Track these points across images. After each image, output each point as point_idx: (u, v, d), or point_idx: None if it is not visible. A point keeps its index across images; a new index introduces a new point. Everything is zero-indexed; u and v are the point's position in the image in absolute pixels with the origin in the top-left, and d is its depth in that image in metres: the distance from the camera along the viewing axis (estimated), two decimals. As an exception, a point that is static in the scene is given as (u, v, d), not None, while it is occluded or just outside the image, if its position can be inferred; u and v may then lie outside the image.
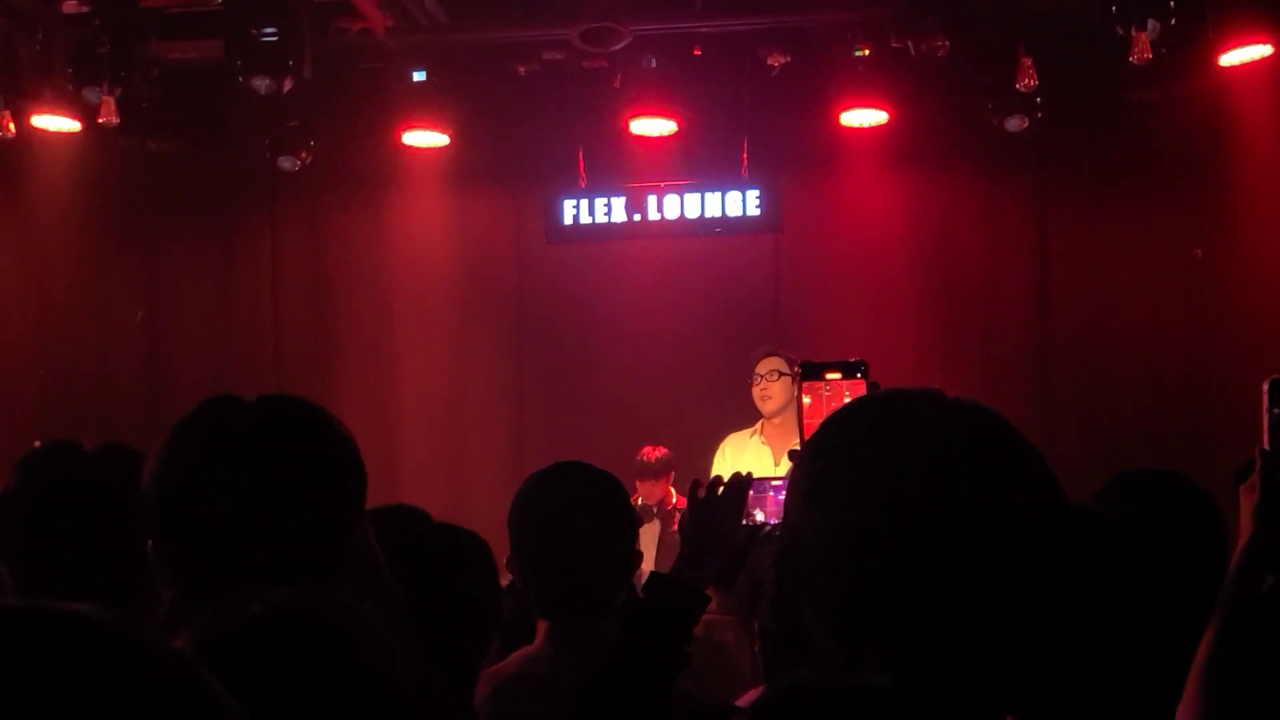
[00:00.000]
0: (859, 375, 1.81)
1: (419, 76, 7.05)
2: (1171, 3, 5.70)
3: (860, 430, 1.23)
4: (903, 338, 7.53)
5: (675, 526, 5.84)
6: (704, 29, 6.98)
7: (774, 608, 1.87)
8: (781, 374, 5.94)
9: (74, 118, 6.68)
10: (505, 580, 2.36)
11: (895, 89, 6.91)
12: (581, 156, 7.54)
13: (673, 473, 6.44)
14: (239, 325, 8.34)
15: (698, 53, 7.03)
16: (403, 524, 2.19)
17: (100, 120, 6.36)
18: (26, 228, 8.14)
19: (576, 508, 2.41)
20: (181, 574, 1.58)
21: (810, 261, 7.93)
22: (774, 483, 1.96)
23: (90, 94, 6.33)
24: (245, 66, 5.79)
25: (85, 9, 6.32)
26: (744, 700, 2.20)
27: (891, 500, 1.15)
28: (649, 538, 6.09)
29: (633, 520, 2.50)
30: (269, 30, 5.73)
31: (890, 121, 7.07)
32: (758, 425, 6.09)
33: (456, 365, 8.16)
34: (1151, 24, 5.67)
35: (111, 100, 6.29)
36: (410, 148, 7.39)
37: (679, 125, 7.02)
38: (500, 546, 2.40)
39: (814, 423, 1.81)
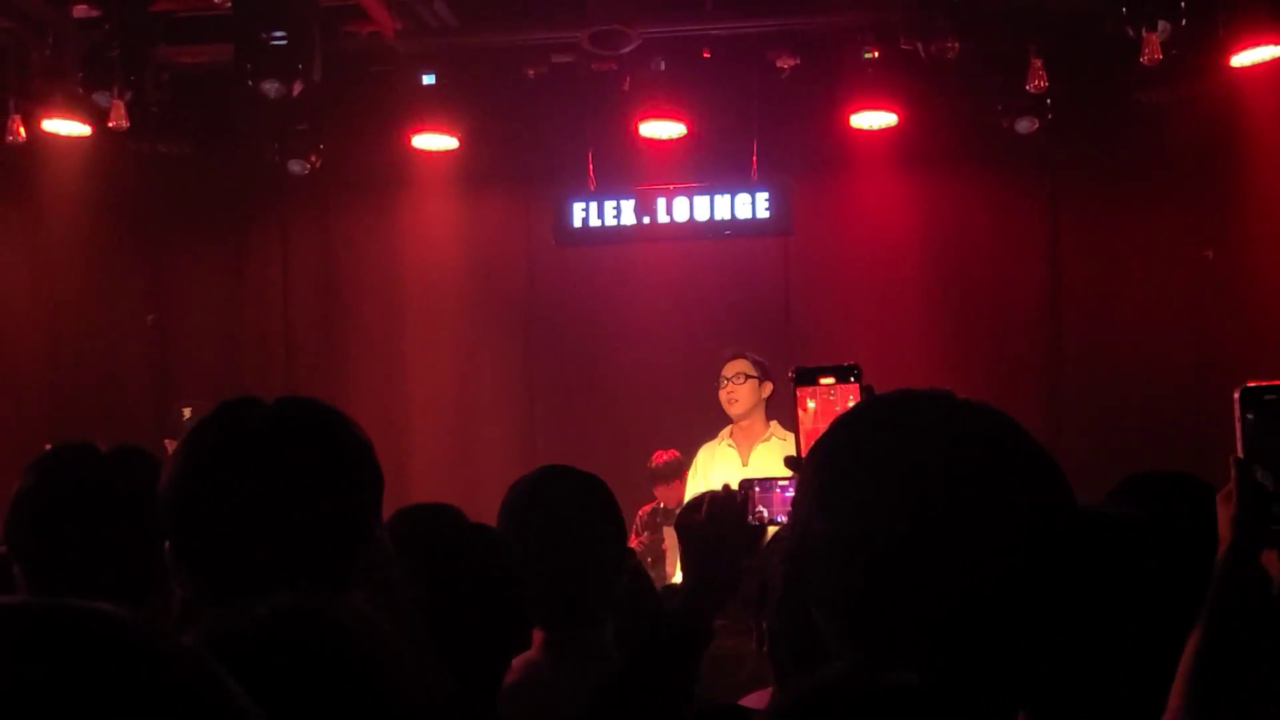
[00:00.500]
0: (852, 379, 1.81)
1: (428, 80, 7.06)
2: (1182, 4, 5.69)
3: (870, 432, 1.23)
4: (913, 339, 7.53)
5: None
6: (713, 31, 6.98)
7: (782, 608, 1.87)
8: (748, 376, 5.92)
9: (84, 122, 6.71)
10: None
11: (905, 91, 6.91)
12: (591, 159, 7.54)
13: (686, 473, 6.44)
14: (249, 328, 8.36)
15: (707, 55, 7.03)
16: (437, 522, 2.19)
17: (111, 124, 6.38)
18: (38, 232, 8.16)
19: (562, 514, 2.39)
20: (197, 575, 1.57)
21: (820, 263, 7.93)
22: (780, 482, 1.95)
23: (100, 98, 6.35)
24: (255, 70, 5.79)
25: (95, 13, 6.34)
26: (748, 701, 2.20)
27: (902, 502, 1.15)
28: (671, 540, 6.13)
29: (620, 522, 2.48)
30: (278, 34, 5.74)
31: (900, 123, 7.07)
32: (726, 430, 6.09)
33: (466, 367, 8.17)
34: (1162, 25, 5.66)
35: (122, 104, 6.31)
36: (420, 151, 7.40)
37: (688, 128, 7.02)
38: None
39: (809, 428, 1.81)
